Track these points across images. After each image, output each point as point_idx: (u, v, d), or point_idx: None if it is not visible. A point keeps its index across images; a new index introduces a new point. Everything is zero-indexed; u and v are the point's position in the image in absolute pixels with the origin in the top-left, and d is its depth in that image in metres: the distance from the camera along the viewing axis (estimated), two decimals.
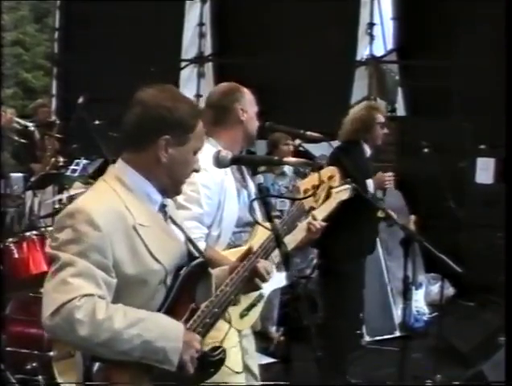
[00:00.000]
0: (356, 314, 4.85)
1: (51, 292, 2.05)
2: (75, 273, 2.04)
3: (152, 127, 2.20)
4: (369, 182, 4.61)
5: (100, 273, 2.06)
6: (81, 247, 2.06)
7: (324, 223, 3.26)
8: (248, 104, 3.23)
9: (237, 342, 3.11)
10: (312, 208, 3.17)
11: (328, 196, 3.26)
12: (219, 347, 2.29)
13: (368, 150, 4.74)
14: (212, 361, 2.26)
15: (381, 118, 4.76)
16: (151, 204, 2.27)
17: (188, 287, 2.26)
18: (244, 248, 3.09)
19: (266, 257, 2.60)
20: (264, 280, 2.48)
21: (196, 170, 2.33)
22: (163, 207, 2.31)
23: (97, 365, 2.07)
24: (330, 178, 3.26)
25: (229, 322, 2.76)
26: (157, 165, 2.22)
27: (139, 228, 2.16)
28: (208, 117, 3.02)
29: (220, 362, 2.29)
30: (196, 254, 2.36)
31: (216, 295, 2.31)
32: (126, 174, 2.23)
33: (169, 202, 2.37)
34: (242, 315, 3.02)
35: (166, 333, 2.10)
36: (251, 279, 2.44)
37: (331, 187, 3.26)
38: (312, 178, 3.11)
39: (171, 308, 2.19)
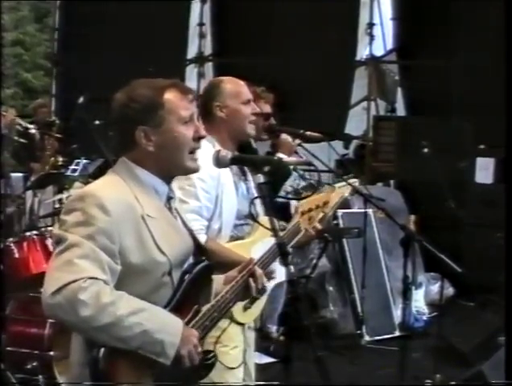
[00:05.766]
0: None
1: (55, 271, 2.04)
2: (81, 254, 2.04)
3: (125, 126, 2.25)
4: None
5: (106, 258, 2.07)
6: (90, 230, 2.06)
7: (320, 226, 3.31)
8: (228, 99, 3.17)
9: (241, 341, 3.12)
10: (307, 230, 3.21)
11: (321, 220, 3.32)
12: (211, 351, 2.30)
13: None
14: (204, 364, 2.25)
15: None
16: (158, 196, 2.28)
17: (194, 289, 2.28)
18: (246, 241, 3.14)
19: (264, 269, 2.59)
20: (259, 289, 2.49)
21: (201, 137, 2.30)
22: (168, 200, 2.33)
23: (102, 351, 2.05)
24: (325, 203, 3.32)
25: (231, 318, 2.77)
26: (150, 156, 2.24)
27: (147, 219, 2.18)
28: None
29: (211, 366, 2.29)
30: (202, 254, 2.38)
31: (217, 300, 2.32)
32: (134, 168, 2.26)
33: (175, 194, 2.39)
34: (246, 308, 3.04)
35: (165, 326, 2.11)
36: (247, 288, 2.45)
37: (324, 213, 3.32)
38: (309, 202, 3.20)
39: (176, 308, 2.20)
